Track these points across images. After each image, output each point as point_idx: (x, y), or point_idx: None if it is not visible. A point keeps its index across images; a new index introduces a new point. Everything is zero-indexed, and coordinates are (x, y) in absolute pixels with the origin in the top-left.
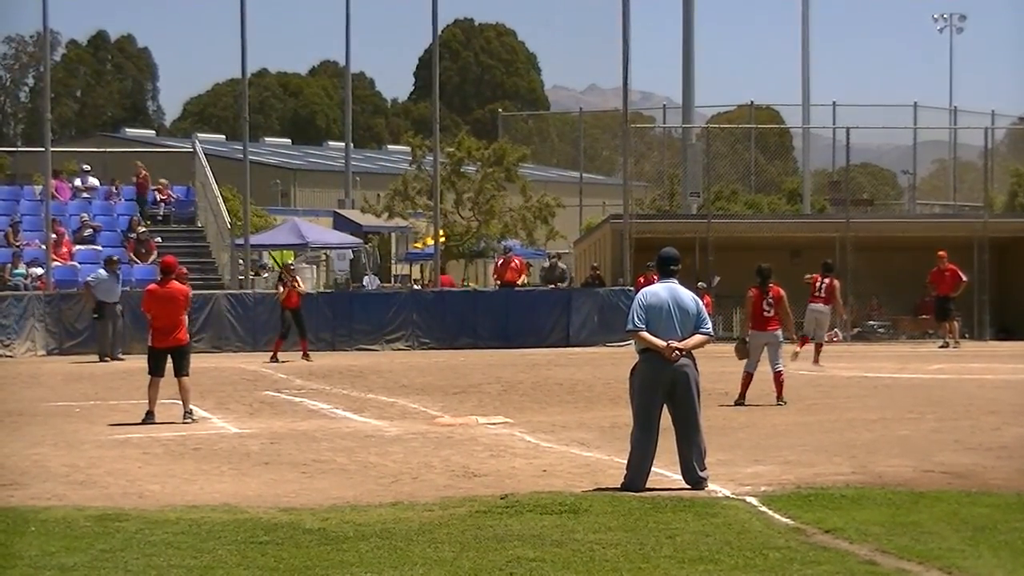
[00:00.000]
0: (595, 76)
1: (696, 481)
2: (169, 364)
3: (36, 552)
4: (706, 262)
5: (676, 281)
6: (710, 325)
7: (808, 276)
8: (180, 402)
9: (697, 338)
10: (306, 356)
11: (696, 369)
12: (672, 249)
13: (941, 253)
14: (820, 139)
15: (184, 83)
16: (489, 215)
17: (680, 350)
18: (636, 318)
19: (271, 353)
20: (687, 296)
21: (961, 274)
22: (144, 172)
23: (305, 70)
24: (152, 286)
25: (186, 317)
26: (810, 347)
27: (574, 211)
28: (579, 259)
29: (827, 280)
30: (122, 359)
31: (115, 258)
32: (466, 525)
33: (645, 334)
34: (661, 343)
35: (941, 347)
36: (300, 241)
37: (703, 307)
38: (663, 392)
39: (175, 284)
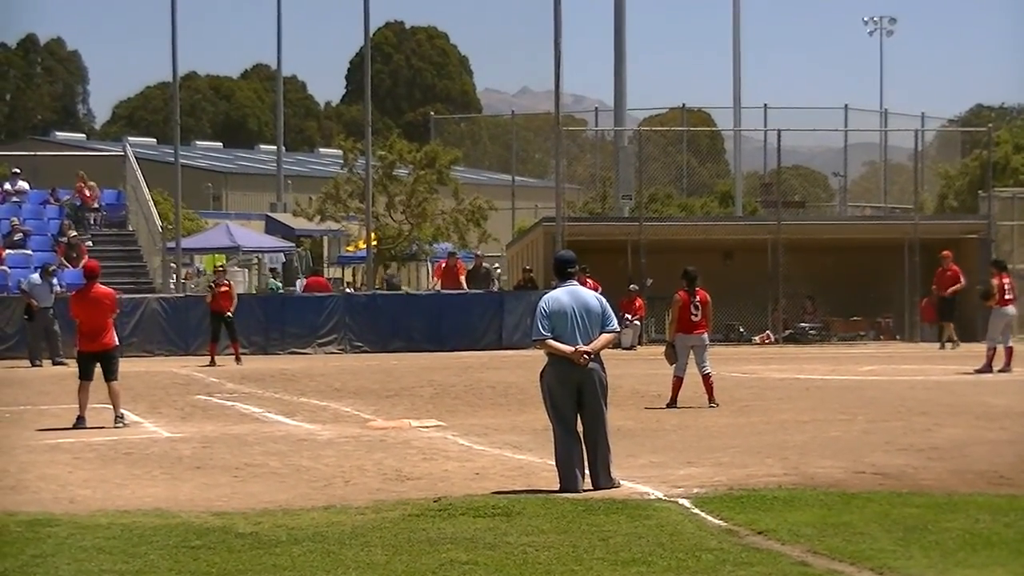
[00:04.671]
0: (527, 79)
1: (600, 485)
2: (99, 369)
3: None
4: (639, 265)
5: (576, 283)
6: (615, 322)
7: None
8: (111, 406)
9: (604, 338)
10: (238, 360)
11: (603, 369)
12: (568, 251)
13: (946, 253)
14: (751, 142)
15: (114, 86)
16: (421, 218)
17: (588, 354)
18: (541, 327)
19: (208, 358)
20: (590, 296)
21: (960, 276)
22: (85, 184)
23: (236, 73)
24: (77, 291)
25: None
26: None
27: (506, 214)
28: (512, 262)
29: (1008, 279)
30: (65, 364)
31: (51, 267)
32: (399, 528)
33: (552, 342)
34: (569, 349)
35: (941, 348)
36: (232, 244)
37: (607, 304)
38: (572, 393)
39: (100, 288)
